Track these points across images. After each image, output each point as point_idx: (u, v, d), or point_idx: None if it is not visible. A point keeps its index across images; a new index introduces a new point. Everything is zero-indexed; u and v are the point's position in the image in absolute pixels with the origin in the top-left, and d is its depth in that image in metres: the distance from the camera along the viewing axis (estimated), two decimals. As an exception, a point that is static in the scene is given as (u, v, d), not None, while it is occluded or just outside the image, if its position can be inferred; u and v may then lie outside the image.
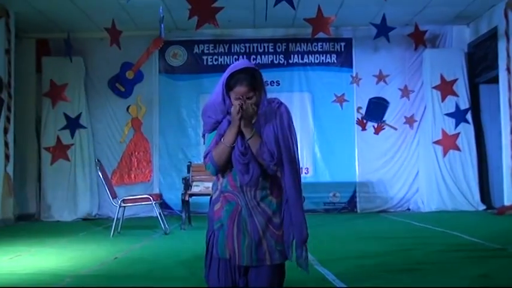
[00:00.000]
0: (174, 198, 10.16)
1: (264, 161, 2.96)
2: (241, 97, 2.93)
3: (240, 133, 2.98)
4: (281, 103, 3.09)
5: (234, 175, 3.02)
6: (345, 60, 10.96)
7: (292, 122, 3.07)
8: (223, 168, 3.04)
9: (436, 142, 10.47)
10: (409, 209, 10.67)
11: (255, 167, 2.98)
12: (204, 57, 10.96)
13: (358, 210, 10.61)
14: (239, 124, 2.93)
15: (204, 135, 3.16)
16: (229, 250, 2.99)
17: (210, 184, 8.38)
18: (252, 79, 2.95)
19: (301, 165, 10.09)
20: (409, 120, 10.80)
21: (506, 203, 9.28)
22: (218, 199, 3.09)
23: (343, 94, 10.85)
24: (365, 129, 10.83)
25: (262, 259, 2.98)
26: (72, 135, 10.52)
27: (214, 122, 3.04)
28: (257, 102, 2.97)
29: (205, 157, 3.07)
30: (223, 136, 2.99)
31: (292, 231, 3.03)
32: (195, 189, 8.45)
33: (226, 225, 3.01)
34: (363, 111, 10.86)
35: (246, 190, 3.00)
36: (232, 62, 10.80)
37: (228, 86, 2.97)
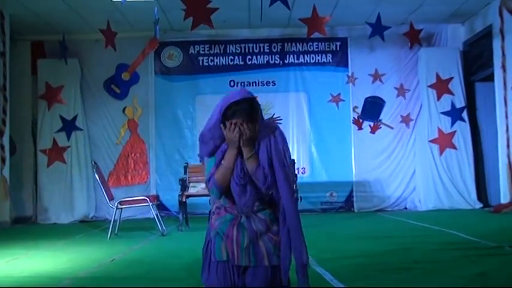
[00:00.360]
0: (171, 200, 10.15)
1: (258, 181, 2.98)
2: (238, 123, 2.92)
3: (239, 154, 2.99)
4: (276, 127, 3.09)
5: (234, 194, 3.04)
6: (341, 59, 10.96)
7: (287, 146, 3.08)
8: (227, 190, 3.05)
9: (432, 141, 10.49)
10: (406, 208, 10.68)
11: (252, 189, 3.01)
12: (200, 58, 10.96)
13: (355, 210, 10.62)
14: (238, 145, 2.95)
15: (202, 159, 3.14)
16: (228, 251, 3.00)
17: (206, 185, 8.39)
18: (250, 110, 2.94)
19: (297, 166, 10.25)
20: (405, 119, 10.82)
21: (503, 201, 9.30)
22: (217, 211, 3.13)
23: (339, 94, 10.86)
24: (361, 129, 10.84)
25: (260, 260, 3.00)
26: (68, 138, 10.50)
27: (213, 148, 3.05)
28: (253, 133, 2.96)
29: (208, 181, 3.07)
30: (223, 159, 3.00)
31: (291, 255, 3.04)
32: (192, 190, 8.44)
33: (226, 229, 3.03)
34: (359, 110, 10.87)
35: (243, 207, 3.03)
36: (228, 63, 10.90)
37: (225, 116, 2.95)
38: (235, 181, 2.99)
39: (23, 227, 9.68)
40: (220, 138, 3.01)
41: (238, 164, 2.99)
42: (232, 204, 3.06)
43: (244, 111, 2.91)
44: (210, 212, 3.20)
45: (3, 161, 9.35)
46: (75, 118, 10.53)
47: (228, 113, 2.93)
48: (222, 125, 2.96)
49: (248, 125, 2.91)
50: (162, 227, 7.51)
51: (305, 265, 3.03)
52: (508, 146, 9.20)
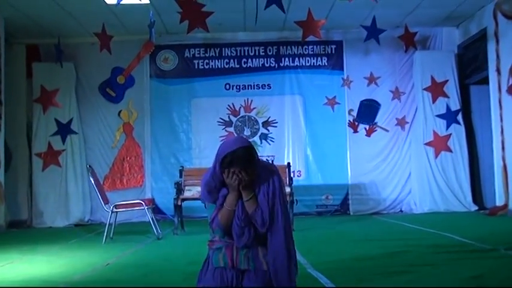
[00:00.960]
0: (166, 203, 10.13)
1: (256, 223, 3.05)
2: (236, 171, 3.00)
3: (240, 196, 3.07)
4: (275, 171, 3.16)
5: (233, 233, 3.10)
6: (336, 62, 10.98)
7: (284, 191, 3.17)
8: (230, 229, 3.11)
9: (428, 143, 10.51)
10: (401, 211, 10.69)
11: (251, 231, 3.08)
12: (195, 61, 10.95)
13: (351, 213, 10.62)
14: (237, 189, 3.04)
15: (204, 202, 3.21)
16: (226, 259, 3.06)
17: (202, 188, 8.37)
18: (247, 158, 3.00)
19: (293, 169, 10.22)
20: (401, 122, 10.83)
21: (498, 203, 9.32)
22: (214, 240, 3.18)
23: (335, 97, 10.87)
24: (357, 132, 10.86)
25: (259, 265, 3.06)
26: (64, 141, 10.48)
27: (214, 192, 3.12)
28: (251, 178, 3.04)
29: (211, 223, 3.14)
30: (225, 201, 3.08)
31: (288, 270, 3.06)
32: (187, 193, 8.42)
33: (225, 247, 3.11)
34: (355, 113, 10.88)
35: (241, 246, 3.10)
36: (224, 66, 10.91)
37: (223, 164, 3.02)
38: (236, 222, 3.06)
39: (18, 231, 9.65)
40: (221, 183, 3.09)
41: (240, 206, 3.07)
42: (229, 240, 3.12)
43: (241, 158, 2.98)
44: (209, 240, 3.26)
45: (-2, 164, 9.33)
46: (70, 122, 10.51)
47: (225, 161, 3.01)
48: (221, 173, 3.04)
49: (246, 171, 3.00)
50: (157, 230, 7.49)
51: None
52: (503, 148, 9.22)
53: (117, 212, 7.61)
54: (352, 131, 10.85)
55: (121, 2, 7.62)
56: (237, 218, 3.05)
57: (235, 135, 10.26)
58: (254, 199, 3.06)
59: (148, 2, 8.75)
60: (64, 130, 10.49)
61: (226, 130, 10.75)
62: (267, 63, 10.96)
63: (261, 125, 10.72)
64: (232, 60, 10.92)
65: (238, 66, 10.91)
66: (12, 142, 10.32)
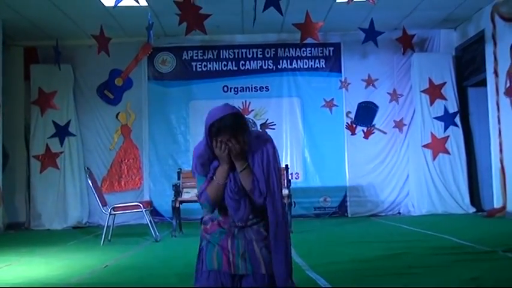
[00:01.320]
0: (164, 205, 10.12)
1: (252, 195, 2.95)
2: (223, 140, 2.89)
3: (232, 169, 2.96)
4: (268, 139, 3.04)
5: (228, 208, 3.01)
6: (334, 65, 10.98)
7: (279, 160, 3.05)
8: (219, 205, 3.02)
9: (426, 146, 10.51)
10: (399, 213, 10.69)
11: (246, 203, 2.97)
12: (193, 64, 10.95)
13: (349, 215, 10.62)
14: (228, 161, 2.92)
15: (194, 174, 3.09)
16: (220, 260, 2.96)
17: (200, 190, 8.36)
18: (234, 125, 2.87)
19: (291, 171, 10.23)
20: (399, 124, 10.84)
21: (496, 205, 9.33)
22: (209, 221, 3.07)
23: (332, 99, 10.87)
24: (354, 134, 10.86)
25: (257, 267, 2.96)
26: (62, 143, 10.47)
27: (207, 164, 3.01)
28: (243, 146, 2.91)
29: (199, 197, 3.02)
30: (215, 175, 2.97)
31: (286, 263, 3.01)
32: (185, 195, 8.42)
33: (220, 240, 2.99)
34: (352, 115, 10.88)
35: (237, 221, 3.00)
36: (222, 68, 10.91)
37: (211, 134, 2.91)
38: (229, 196, 2.95)
39: (16, 233, 9.64)
40: (214, 155, 2.97)
41: (232, 179, 2.95)
42: (226, 217, 3.02)
43: (229, 126, 2.85)
44: (201, 218, 3.15)
45: (-4, 167, 9.32)
46: (68, 124, 10.50)
47: (213, 130, 2.88)
48: (211, 144, 2.92)
49: (236, 138, 2.87)
50: (155, 233, 7.49)
51: (287, 278, 2.96)
52: (500, 150, 9.23)
53: (115, 214, 7.61)
54: (350, 133, 10.85)
55: (119, 4, 7.60)
56: (229, 191, 2.93)
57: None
58: (248, 170, 2.93)
59: (147, 4, 8.75)
60: (62, 132, 10.48)
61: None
62: (265, 65, 10.97)
63: (259, 127, 10.72)
64: (230, 63, 10.92)
65: (236, 68, 10.91)
66: (10, 144, 10.31)
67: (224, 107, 2.93)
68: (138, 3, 7.84)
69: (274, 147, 3.02)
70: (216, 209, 3.03)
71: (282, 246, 2.96)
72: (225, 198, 2.98)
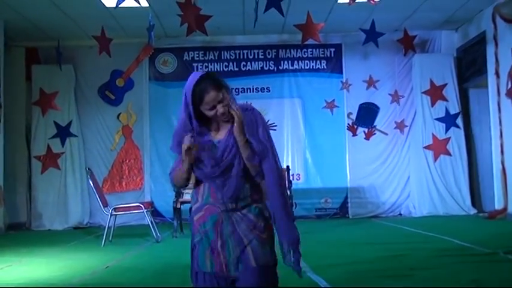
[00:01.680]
0: (165, 206, 10.11)
1: (253, 167, 2.90)
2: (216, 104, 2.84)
3: (209, 148, 2.90)
4: (253, 109, 3.02)
5: (215, 188, 2.99)
6: (335, 66, 10.98)
7: (268, 127, 3.02)
8: (184, 187, 3.02)
9: (427, 147, 10.51)
10: (400, 214, 10.68)
11: (234, 180, 2.92)
12: (194, 64, 10.96)
13: (350, 216, 10.61)
14: (189, 160, 2.88)
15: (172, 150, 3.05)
16: (213, 262, 2.92)
17: (201, 191, 8.37)
18: (213, 81, 2.85)
19: (292, 172, 10.21)
20: (400, 125, 10.84)
21: (497, 207, 9.32)
22: (198, 211, 2.99)
23: (334, 100, 10.87)
24: (356, 135, 10.85)
25: (247, 262, 2.91)
26: (63, 144, 10.47)
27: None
28: (229, 103, 2.87)
29: (170, 173, 3.04)
30: (182, 162, 2.92)
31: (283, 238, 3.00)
32: (186, 196, 8.40)
33: (211, 238, 2.96)
34: (354, 116, 10.88)
35: (227, 201, 2.98)
36: (223, 69, 10.92)
37: (196, 103, 2.86)
38: (209, 176, 2.89)
39: (17, 233, 9.64)
40: (190, 131, 2.89)
41: (209, 156, 2.88)
42: (216, 199, 2.92)
43: (210, 83, 2.83)
44: (190, 209, 3.08)
45: (-3, 167, 9.33)
46: (69, 124, 10.50)
47: (196, 97, 2.84)
48: (194, 112, 2.87)
49: (224, 101, 2.84)
50: (156, 233, 7.49)
51: (295, 243, 2.98)
52: (502, 152, 9.22)
53: (116, 214, 7.61)
54: (351, 134, 10.85)
55: (120, 5, 7.61)
56: (210, 172, 2.87)
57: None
58: (247, 143, 2.88)
59: (148, 5, 8.75)
60: (63, 133, 10.48)
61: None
62: (266, 66, 10.97)
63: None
64: (231, 64, 10.93)
65: (237, 69, 10.91)
66: (12, 145, 10.31)
67: (195, 73, 2.93)
68: (139, 4, 7.84)
69: (260, 114, 3.01)
70: (206, 193, 2.95)
71: (284, 215, 2.92)
72: (209, 180, 2.91)
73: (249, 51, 10.97)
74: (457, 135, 10.49)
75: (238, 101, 3.01)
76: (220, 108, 2.86)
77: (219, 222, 2.92)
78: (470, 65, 10.48)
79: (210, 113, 2.88)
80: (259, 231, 2.95)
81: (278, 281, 3.01)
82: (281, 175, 3.01)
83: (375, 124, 10.88)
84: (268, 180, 2.94)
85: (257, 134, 2.93)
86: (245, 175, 2.94)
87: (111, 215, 7.47)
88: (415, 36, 10.57)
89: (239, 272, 2.90)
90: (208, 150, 2.91)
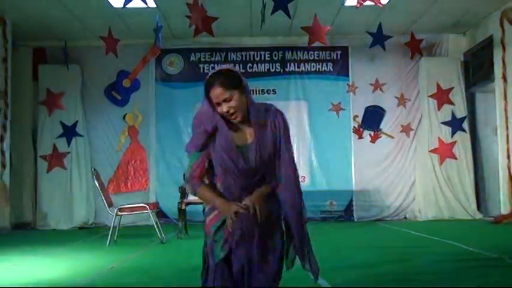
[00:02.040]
0: (170, 207, 10.10)
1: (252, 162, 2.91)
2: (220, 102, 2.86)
3: (231, 150, 2.90)
4: (275, 110, 3.02)
5: (228, 185, 2.97)
6: (341, 68, 10.98)
7: (288, 130, 3.03)
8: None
9: (433, 151, 10.49)
10: (405, 218, 10.66)
11: (251, 183, 2.94)
12: (201, 66, 10.97)
13: (355, 219, 10.60)
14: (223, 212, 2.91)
15: (188, 152, 3.05)
16: (226, 248, 2.92)
17: (206, 193, 8.36)
18: (225, 78, 2.87)
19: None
20: (406, 129, 10.82)
21: (503, 211, 9.29)
22: (212, 210, 3.02)
23: (340, 102, 10.86)
24: (361, 138, 10.84)
25: (252, 235, 2.90)
26: (69, 144, 10.50)
27: (203, 132, 2.94)
28: (238, 104, 2.88)
29: (190, 179, 2.99)
30: (214, 200, 2.93)
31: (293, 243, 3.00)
32: (191, 197, 8.41)
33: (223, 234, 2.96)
34: (360, 119, 10.87)
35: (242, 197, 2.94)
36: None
37: (208, 93, 2.89)
38: (237, 173, 2.91)
39: (23, 232, 9.67)
40: (210, 120, 2.91)
41: (230, 161, 2.89)
42: (230, 195, 2.94)
43: (219, 79, 2.85)
44: (203, 210, 3.09)
45: (4, 166, 9.36)
46: (75, 124, 10.53)
47: (207, 88, 2.88)
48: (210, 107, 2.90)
49: (230, 102, 2.85)
50: (161, 234, 7.49)
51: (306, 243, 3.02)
52: (508, 156, 9.20)
53: (121, 215, 7.61)
54: (357, 137, 10.83)
55: (127, 6, 7.62)
56: (237, 172, 2.89)
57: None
58: (261, 197, 2.90)
59: (155, 6, 8.77)
60: (69, 132, 10.51)
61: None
62: (272, 68, 10.97)
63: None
64: (237, 65, 10.92)
65: (243, 70, 10.90)
66: (18, 144, 10.33)
67: (224, 66, 3.00)
68: (147, 4, 7.85)
69: (284, 119, 3.01)
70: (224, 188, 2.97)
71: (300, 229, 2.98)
72: (232, 181, 2.93)
73: (255, 53, 10.97)
74: (463, 139, 10.47)
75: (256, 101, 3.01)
76: (224, 107, 2.86)
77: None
78: (477, 69, 10.45)
79: (218, 109, 2.89)
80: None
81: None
82: (297, 178, 3.03)
83: (380, 127, 10.86)
84: (285, 185, 2.97)
85: (277, 137, 2.94)
86: (262, 179, 2.98)
87: (116, 215, 7.48)
88: (422, 40, 10.53)
89: (246, 240, 2.90)
90: (231, 152, 2.91)
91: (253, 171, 2.92)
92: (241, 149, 2.92)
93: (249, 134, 2.95)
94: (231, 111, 2.87)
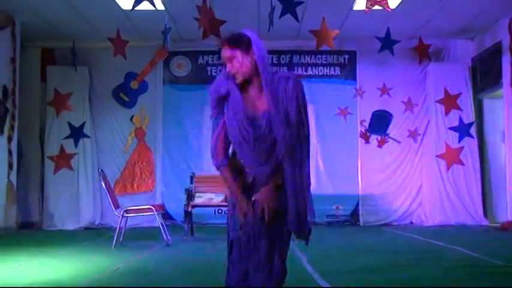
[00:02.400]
0: (176, 209, 10.14)
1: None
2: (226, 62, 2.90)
3: (244, 117, 2.86)
4: (289, 77, 2.97)
5: (244, 158, 2.92)
6: (349, 72, 10.97)
7: (304, 100, 2.95)
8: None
9: (440, 156, 10.45)
10: (412, 223, 10.63)
11: (264, 149, 2.90)
12: (209, 68, 10.99)
13: (361, 223, 10.57)
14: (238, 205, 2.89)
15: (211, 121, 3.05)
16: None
17: (212, 195, 8.39)
18: (231, 37, 2.91)
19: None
20: (413, 134, 10.79)
21: (510, 218, 9.24)
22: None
23: (347, 107, 10.84)
24: (368, 142, 10.82)
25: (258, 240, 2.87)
26: (76, 144, 10.53)
27: (217, 97, 2.94)
28: (240, 65, 2.89)
29: (215, 156, 2.94)
30: (231, 188, 2.92)
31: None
32: (197, 200, 8.44)
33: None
34: (367, 124, 10.85)
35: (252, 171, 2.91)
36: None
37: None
38: (250, 146, 2.87)
39: (29, 232, 9.70)
40: (223, 84, 2.94)
41: (242, 128, 2.86)
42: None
43: (227, 39, 2.91)
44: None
45: (11, 166, 9.38)
46: (83, 125, 10.56)
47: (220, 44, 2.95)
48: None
49: (234, 59, 2.88)
50: (167, 236, 7.50)
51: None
52: (515, 163, 9.17)
53: (127, 216, 7.63)
54: (364, 141, 10.81)
55: (136, 8, 7.64)
56: (250, 139, 2.85)
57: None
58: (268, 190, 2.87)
59: (164, 8, 8.79)
60: (77, 133, 10.54)
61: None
62: (280, 71, 10.95)
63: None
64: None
65: (251, 73, 10.88)
66: (25, 144, 10.38)
67: (248, 30, 2.99)
68: (155, 7, 7.87)
69: (296, 87, 2.93)
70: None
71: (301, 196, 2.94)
72: (246, 149, 2.88)
73: (263, 56, 10.94)
74: (470, 145, 10.43)
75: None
76: (228, 66, 2.91)
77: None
78: (485, 75, 10.42)
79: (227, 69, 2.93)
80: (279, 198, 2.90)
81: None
82: (305, 150, 3.01)
83: (387, 132, 10.84)
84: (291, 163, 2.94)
85: (288, 107, 2.88)
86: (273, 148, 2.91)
87: (122, 216, 7.50)
88: (430, 45, 10.50)
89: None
90: (241, 119, 2.87)
91: (264, 141, 2.88)
92: (251, 117, 2.88)
93: (261, 102, 2.91)
94: (233, 71, 2.89)
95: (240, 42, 2.91)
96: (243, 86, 2.93)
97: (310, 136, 3.12)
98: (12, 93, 9.48)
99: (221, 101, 2.93)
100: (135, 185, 10.77)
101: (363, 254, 6.54)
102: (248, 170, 2.91)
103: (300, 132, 2.95)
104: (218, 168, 2.96)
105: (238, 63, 2.89)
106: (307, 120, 2.97)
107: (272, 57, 10.96)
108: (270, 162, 2.91)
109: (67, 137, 10.53)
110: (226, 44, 2.90)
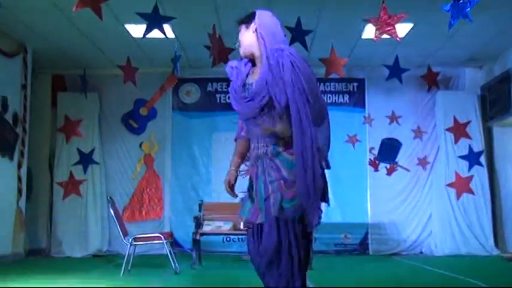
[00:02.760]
0: (184, 236, 10.10)
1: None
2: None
3: (242, 90, 3.12)
4: (284, 52, 2.96)
5: (250, 133, 3.13)
6: (358, 100, 10.98)
7: (299, 71, 2.92)
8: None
9: (449, 185, 10.39)
10: (421, 252, 10.52)
11: (265, 122, 3.03)
12: (218, 96, 11.03)
13: (370, 252, 10.48)
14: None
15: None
16: (251, 213, 3.02)
17: (221, 223, 8.36)
18: (243, 16, 3.05)
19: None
20: (422, 162, 10.74)
21: (521, 248, 9.15)
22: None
23: (356, 134, 10.82)
24: (377, 170, 10.77)
25: (269, 212, 2.94)
26: (85, 171, 10.55)
27: (232, 72, 3.16)
28: (241, 38, 3.03)
29: (239, 130, 3.32)
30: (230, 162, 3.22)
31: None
32: (206, 228, 8.41)
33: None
34: (376, 151, 10.82)
35: (260, 146, 3.00)
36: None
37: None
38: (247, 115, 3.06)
39: (37, 259, 9.67)
40: (237, 63, 3.12)
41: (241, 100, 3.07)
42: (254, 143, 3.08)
43: (240, 18, 3.08)
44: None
45: (20, 192, 9.40)
46: (92, 152, 10.59)
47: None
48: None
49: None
50: (175, 264, 7.45)
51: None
52: (526, 192, 9.09)
53: (136, 244, 7.60)
54: (373, 169, 10.76)
55: (147, 36, 7.70)
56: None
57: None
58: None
59: (174, 36, 8.86)
60: (86, 160, 10.57)
61: (246, 165, 10.71)
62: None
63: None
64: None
65: (260, 101, 10.91)
66: (35, 170, 10.41)
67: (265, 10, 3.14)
68: (166, 35, 7.93)
69: (293, 60, 2.92)
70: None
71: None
72: (251, 130, 3.08)
73: (272, 84, 10.98)
74: (480, 174, 10.37)
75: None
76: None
77: (254, 166, 3.05)
78: (495, 103, 10.40)
79: None
80: (285, 183, 2.95)
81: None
82: (311, 119, 3.00)
83: (397, 160, 10.80)
84: (293, 125, 2.94)
85: (283, 81, 2.92)
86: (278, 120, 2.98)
87: (130, 244, 7.46)
88: (438, 73, 10.50)
89: (263, 220, 2.95)
90: (238, 88, 3.07)
91: (259, 111, 2.98)
92: (248, 87, 3.07)
93: (261, 72, 3.01)
94: (237, 44, 3.00)
95: (245, 17, 3.05)
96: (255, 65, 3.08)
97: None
98: (23, 120, 9.54)
99: (234, 74, 3.13)
100: (144, 212, 10.75)
101: (373, 285, 6.45)
102: (256, 144, 3.04)
103: (302, 98, 2.92)
104: (235, 139, 3.27)
105: (240, 37, 3.04)
106: (312, 88, 2.94)
107: (281, 85, 10.95)
108: (273, 136, 2.99)
109: (76, 163, 10.55)
110: (240, 22, 3.08)
